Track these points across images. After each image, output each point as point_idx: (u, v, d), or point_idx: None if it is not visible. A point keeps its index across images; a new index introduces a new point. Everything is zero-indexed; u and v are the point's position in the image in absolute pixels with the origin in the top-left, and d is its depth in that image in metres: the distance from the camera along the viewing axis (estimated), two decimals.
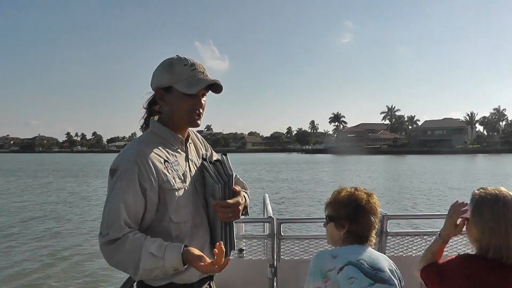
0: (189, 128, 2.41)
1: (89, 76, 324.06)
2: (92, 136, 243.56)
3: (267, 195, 5.12)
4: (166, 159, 2.20)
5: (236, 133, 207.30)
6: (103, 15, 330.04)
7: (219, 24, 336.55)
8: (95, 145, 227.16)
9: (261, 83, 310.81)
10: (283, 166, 60.54)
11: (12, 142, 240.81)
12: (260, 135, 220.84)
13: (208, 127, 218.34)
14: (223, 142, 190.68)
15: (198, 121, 2.26)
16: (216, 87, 2.27)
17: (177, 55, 2.27)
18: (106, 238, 2.06)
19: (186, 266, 2.07)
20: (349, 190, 2.38)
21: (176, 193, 2.18)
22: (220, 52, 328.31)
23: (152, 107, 2.37)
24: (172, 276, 2.14)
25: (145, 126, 2.37)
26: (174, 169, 2.20)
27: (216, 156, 2.51)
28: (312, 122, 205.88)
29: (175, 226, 2.18)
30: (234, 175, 2.26)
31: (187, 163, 2.31)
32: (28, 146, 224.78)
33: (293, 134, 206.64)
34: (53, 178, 40.45)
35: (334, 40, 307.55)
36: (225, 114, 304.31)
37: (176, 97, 2.22)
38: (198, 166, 2.36)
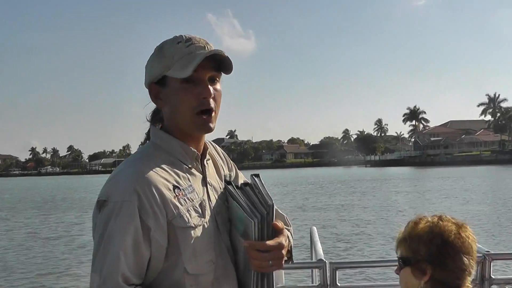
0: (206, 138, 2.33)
1: (60, 69, 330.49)
2: (68, 151, 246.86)
3: (315, 229, 5.17)
4: (176, 184, 2.10)
5: (271, 140, 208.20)
6: None
7: None
8: (71, 164, 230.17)
9: (302, 69, 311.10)
10: (339, 186, 60.05)
11: None
12: (305, 142, 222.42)
13: (231, 134, 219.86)
14: (253, 154, 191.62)
15: (210, 123, 2.16)
16: (226, 63, 2.17)
17: (174, 36, 2.22)
18: None
19: None
20: (430, 220, 2.39)
21: (193, 232, 2.07)
22: (243, 26, 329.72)
23: (156, 117, 2.32)
24: None
25: (146, 139, 2.32)
26: (188, 198, 2.11)
27: (243, 178, 2.48)
28: (379, 122, 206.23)
29: (191, 279, 2.07)
30: (274, 206, 2.09)
31: (205, 188, 2.22)
32: None
33: (352, 139, 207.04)
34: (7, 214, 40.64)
35: (403, 3, 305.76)
36: (253, 115, 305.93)
37: (173, 89, 2.15)
38: (219, 192, 2.28)
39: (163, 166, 2.11)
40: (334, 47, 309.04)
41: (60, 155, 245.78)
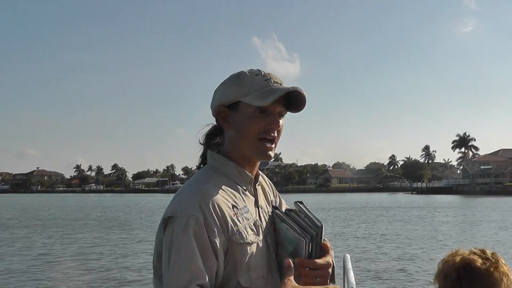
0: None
1: (108, 89, 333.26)
2: (112, 170, 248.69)
3: (348, 256, 5.08)
4: (234, 203, 2.23)
5: (316, 164, 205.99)
6: (121, 13, 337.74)
7: (285, 10, 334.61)
8: (115, 182, 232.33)
9: (347, 93, 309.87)
10: (382, 213, 58.14)
11: (0, 178, 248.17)
12: (351, 167, 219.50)
13: (276, 157, 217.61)
14: (297, 178, 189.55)
15: (270, 152, 2.30)
16: (296, 103, 2.32)
17: (249, 69, 2.37)
18: None
19: None
20: (466, 253, 2.38)
21: (249, 248, 2.19)
22: (287, 49, 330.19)
23: (210, 141, 2.47)
24: None
25: (201, 163, 2.46)
26: (244, 217, 2.24)
27: (285, 206, 2.61)
28: (426, 148, 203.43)
29: None
30: (323, 227, 2.26)
31: (257, 210, 2.35)
32: (23, 183, 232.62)
33: (399, 165, 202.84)
34: (55, 232, 38.80)
35: (449, 30, 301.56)
36: (299, 139, 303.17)
37: (244, 115, 2.28)
38: (268, 215, 2.41)
39: (222, 187, 2.24)
40: (380, 72, 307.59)
41: (105, 173, 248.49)
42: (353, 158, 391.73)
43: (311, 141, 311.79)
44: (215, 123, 2.44)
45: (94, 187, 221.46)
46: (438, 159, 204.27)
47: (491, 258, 2.32)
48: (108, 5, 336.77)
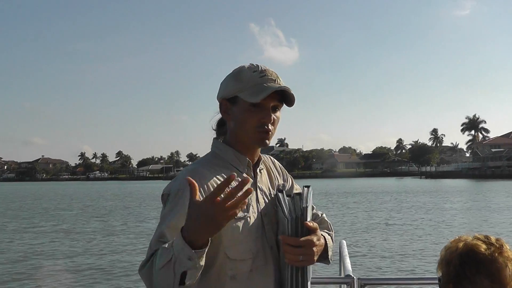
0: (263, 153, 2.77)
1: (112, 77, 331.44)
2: (116, 157, 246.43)
3: (344, 243, 5.03)
4: None
5: (321, 149, 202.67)
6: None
7: None
8: (120, 169, 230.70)
9: (349, 78, 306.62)
10: (389, 198, 56.27)
11: (5, 167, 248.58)
12: (357, 151, 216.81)
13: (282, 142, 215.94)
14: (303, 163, 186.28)
15: (266, 140, 2.53)
16: (288, 98, 2.55)
17: (250, 63, 2.60)
18: (143, 262, 2.28)
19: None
20: (469, 239, 2.40)
21: (234, 222, 2.39)
22: (286, 35, 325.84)
23: (221, 128, 2.70)
24: None
25: None
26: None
27: (298, 190, 2.78)
28: (435, 132, 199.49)
29: (231, 264, 2.41)
30: (310, 207, 2.49)
31: (254, 191, 2.56)
32: (27, 172, 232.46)
33: (406, 149, 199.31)
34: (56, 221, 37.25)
35: (446, 13, 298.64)
36: (304, 124, 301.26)
37: (241, 109, 2.52)
38: (270, 197, 2.63)
39: (217, 168, 2.52)
40: (380, 56, 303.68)
41: (109, 161, 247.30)
42: (358, 143, 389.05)
43: (315, 126, 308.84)
44: None
45: (99, 174, 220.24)
46: (447, 142, 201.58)
47: (495, 243, 2.33)
48: None
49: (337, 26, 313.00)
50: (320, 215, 2.79)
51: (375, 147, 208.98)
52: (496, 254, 2.28)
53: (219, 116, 2.66)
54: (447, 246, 2.43)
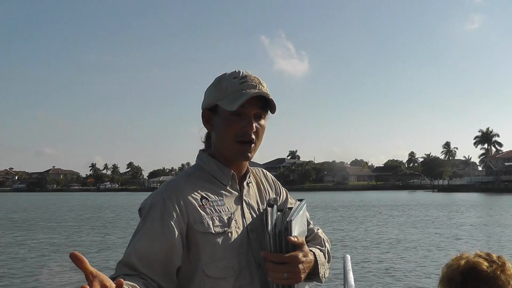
0: (255, 167, 2.67)
1: (125, 88, 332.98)
2: (127, 168, 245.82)
3: (348, 257, 5.07)
4: (205, 196, 2.36)
5: (333, 162, 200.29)
6: (134, 14, 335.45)
7: (292, 10, 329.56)
8: (130, 180, 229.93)
9: (359, 91, 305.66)
10: (400, 212, 54.83)
11: (16, 177, 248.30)
12: (369, 164, 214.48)
13: (293, 154, 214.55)
14: (314, 176, 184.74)
15: (248, 153, 2.41)
16: (271, 103, 2.42)
17: (234, 70, 2.47)
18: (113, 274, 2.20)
19: None
20: (471, 256, 2.38)
21: (213, 238, 2.28)
22: (296, 48, 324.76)
23: (209, 141, 2.60)
24: None
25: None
26: (214, 209, 2.34)
27: (292, 204, 2.65)
28: (447, 145, 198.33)
29: (210, 282, 2.27)
30: (299, 221, 2.36)
31: (240, 206, 2.44)
32: (38, 182, 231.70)
33: (418, 162, 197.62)
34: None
35: (456, 28, 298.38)
36: (315, 136, 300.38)
37: (221, 118, 2.41)
38: (259, 212, 2.51)
39: (197, 181, 2.41)
40: (391, 69, 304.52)
41: (120, 172, 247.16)
42: (369, 156, 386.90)
43: (326, 139, 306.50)
44: None
45: (109, 185, 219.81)
46: (459, 155, 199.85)
47: (497, 261, 2.32)
48: (122, 6, 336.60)
49: (347, 39, 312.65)
50: (315, 231, 2.61)
51: (386, 160, 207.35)
52: (498, 272, 2.27)
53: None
54: (448, 263, 2.41)
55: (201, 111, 2.49)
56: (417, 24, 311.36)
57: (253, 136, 2.37)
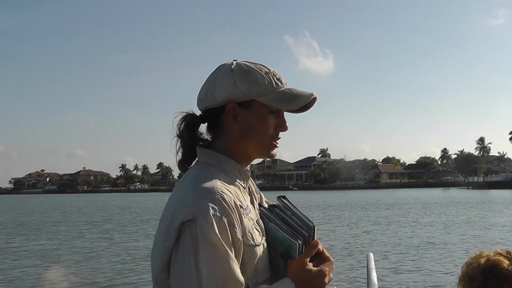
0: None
1: (155, 89, 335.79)
2: (157, 169, 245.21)
3: (371, 255, 4.89)
4: (240, 203, 2.12)
5: (364, 159, 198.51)
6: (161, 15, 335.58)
7: (315, 8, 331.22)
8: (160, 181, 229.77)
9: (385, 88, 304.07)
10: (435, 210, 52.82)
11: (47, 179, 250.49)
12: (401, 162, 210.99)
13: (324, 153, 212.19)
14: (346, 174, 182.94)
15: (276, 151, 2.32)
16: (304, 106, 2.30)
17: (235, 60, 2.28)
18: None
19: None
20: (491, 254, 2.36)
21: (257, 250, 2.12)
22: (320, 46, 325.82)
23: (192, 133, 2.31)
24: None
25: (186, 160, 2.33)
26: (250, 218, 2.15)
27: (266, 202, 2.49)
28: (481, 141, 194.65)
29: None
30: (315, 227, 2.23)
31: (254, 207, 2.28)
32: (69, 184, 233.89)
33: (451, 159, 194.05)
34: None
35: (481, 23, 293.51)
36: (346, 134, 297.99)
37: (257, 115, 2.22)
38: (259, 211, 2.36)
39: (229, 186, 2.14)
40: (417, 65, 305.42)
41: (151, 172, 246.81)
42: (400, 153, 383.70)
43: (356, 137, 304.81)
44: (185, 111, 2.31)
45: (139, 186, 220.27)
46: (494, 151, 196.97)
47: None
48: (153, 8, 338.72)
49: (371, 36, 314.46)
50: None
51: (418, 158, 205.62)
52: None
53: (181, 115, 2.27)
54: (468, 262, 2.39)
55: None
56: (441, 20, 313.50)
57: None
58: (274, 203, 2.35)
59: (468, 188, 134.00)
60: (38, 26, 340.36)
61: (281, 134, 2.27)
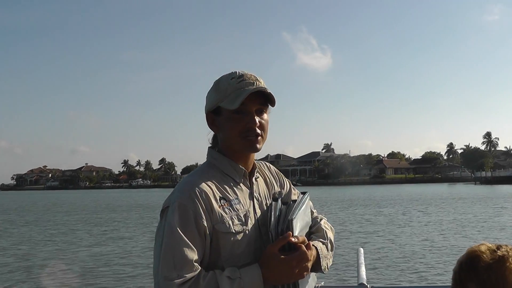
0: (259, 160, 2.78)
1: (155, 84, 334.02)
2: (159, 164, 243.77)
3: (361, 250, 4.89)
4: (223, 196, 2.47)
5: (369, 155, 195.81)
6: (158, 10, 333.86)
7: (313, 4, 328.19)
8: (163, 177, 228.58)
9: (388, 82, 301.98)
10: (438, 206, 51.97)
11: (50, 175, 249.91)
12: (406, 157, 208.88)
13: (328, 148, 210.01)
14: (350, 169, 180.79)
15: (257, 144, 2.53)
16: (271, 97, 2.56)
17: (231, 71, 2.59)
18: (179, 280, 2.26)
19: None
20: (480, 247, 2.37)
21: (233, 237, 2.41)
22: (318, 42, 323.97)
23: (216, 140, 2.70)
24: None
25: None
26: (233, 209, 2.47)
27: (296, 195, 2.79)
28: (488, 135, 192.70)
29: None
30: (302, 217, 2.52)
31: (252, 201, 2.58)
32: (71, 180, 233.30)
33: (458, 154, 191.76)
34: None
35: (475, 18, 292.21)
36: (350, 129, 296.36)
37: (225, 118, 2.54)
38: (267, 207, 2.62)
39: (213, 180, 2.49)
40: (416, 60, 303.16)
41: (153, 168, 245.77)
42: (404, 148, 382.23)
43: (358, 132, 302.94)
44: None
45: (141, 182, 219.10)
46: (501, 146, 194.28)
47: (504, 253, 2.28)
48: (159, 4, 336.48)
49: (369, 32, 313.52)
50: (319, 221, 2.73)
51: (423, 153, 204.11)
52: (496, 264, 2.23)
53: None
54: (465, 253, 2.40)
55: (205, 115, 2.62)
56: (438, 16, 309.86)
57: (259, 131, 2.49)
58: (295, 199, 2.60)
59: (475, 183, 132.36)
60: (43, 23, 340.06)
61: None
